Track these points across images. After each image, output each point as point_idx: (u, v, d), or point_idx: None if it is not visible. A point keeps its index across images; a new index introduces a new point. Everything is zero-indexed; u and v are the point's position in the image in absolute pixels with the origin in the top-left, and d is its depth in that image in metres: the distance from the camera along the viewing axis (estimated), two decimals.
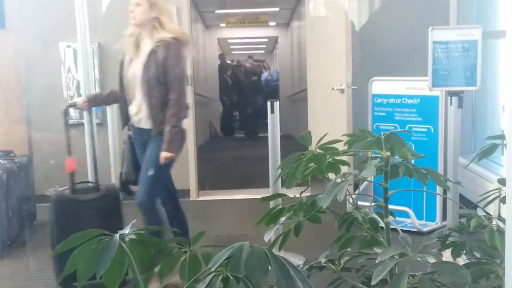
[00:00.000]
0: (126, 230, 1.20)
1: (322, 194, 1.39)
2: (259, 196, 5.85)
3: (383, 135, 1.41)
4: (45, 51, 6.25)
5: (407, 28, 6.17)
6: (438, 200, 5.02)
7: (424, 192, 4.85)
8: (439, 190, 4.79)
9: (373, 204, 1.51)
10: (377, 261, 1.19)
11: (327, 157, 1.50)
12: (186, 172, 6.42)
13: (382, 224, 1.52)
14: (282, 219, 1.49)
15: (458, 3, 5.94)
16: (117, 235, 1.15)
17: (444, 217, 4.85)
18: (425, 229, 4.90)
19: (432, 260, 1.16)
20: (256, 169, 8.13)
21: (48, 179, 6.12)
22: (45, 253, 4.80)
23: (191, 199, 6.44)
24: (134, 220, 1.31)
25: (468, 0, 5.91)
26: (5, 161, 5.16)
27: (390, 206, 1.58)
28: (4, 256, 4.70)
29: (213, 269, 1.14)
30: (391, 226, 1.54)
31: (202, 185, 6.65)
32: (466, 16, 5.87)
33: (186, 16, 6.27)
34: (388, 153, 1.36)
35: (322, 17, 6.63)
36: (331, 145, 1.61)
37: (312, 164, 1.49)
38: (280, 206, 1.62)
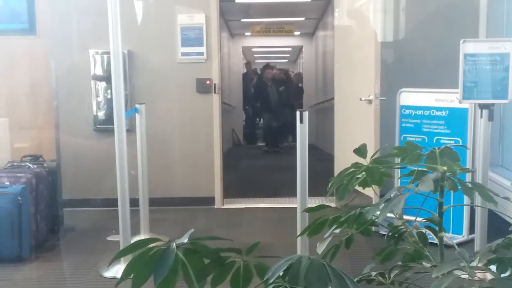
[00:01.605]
0: (184, 239, 1.22)
1: (371, 206, 1.39)
2: (284, 206, 5.89)
3: (438, 149, 1.41)
4: (75, 56, 6.33)
5: (436, 39, 6.16)
6: (465, 212, 4.99)
7: (451, 203, 4.82)
8: (466, 202, 4.78)
9: (422, 219, 1.51)
10: (433, 276, 1.19)
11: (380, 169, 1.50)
12: (211, 179, 6.45)
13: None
14: (337, 231, 1.49)
15: (488, 15, 5.91)
16: (174, 244, 1.16)
17: (471, 230, 4.81)
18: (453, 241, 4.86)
19: (489, 276, 1.16)
20: (280, 178, 8.15)
21: (76, 184, 6.20)
22: (73, 257, 4.85)
23: (216, 206, 6.46)
24: (192, 230, 1.31)
25: (498, 12, 5.88)
26: (35, 166, 5.22)
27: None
28: (32, 260, 4.74)
29: (271, 281, 1.14)
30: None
31: (227, 193, 6.66)
32: (496, 29, 5.85)
33: (215, 24, 6.31)
34: (445, 168, 1.36)
35: (350, 27, 6.63)
36: (383, 158, 1.61)
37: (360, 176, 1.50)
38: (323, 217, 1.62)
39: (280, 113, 12.30)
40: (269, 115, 12.50)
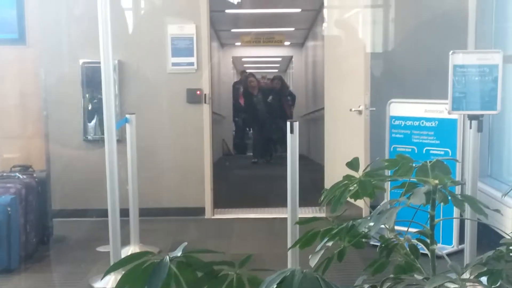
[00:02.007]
0: (178, 253, 1.22)
1: (363, 219, 1.40)
2: (274, 216, 5.89)
3: (429, 162, 1.42)
4: (65, 66, 6.32)
5: (425, 50, 6.19)
6: (455, 223, 5.01)
7: (441, 215, 4.84)
8: (455, 213, 4.80)
9: (413, 230, 1.52)
10: None
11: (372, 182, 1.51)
12: (201, 190, 6.44)
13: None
14: (329, 243, 1.49)
15: (476, 27, 5.96)
16: (167, 257, 1.17)
17: (461, 240, 4.83)
18: (442, 252, 4.87)
19: None
20: (270, 188, 8.14)
21: (66, 194, 6.17)
22: (62, 268, 4.82)
23: (206, 217, 6.45)
24: (185, 243, 1.31)
25: (486, 24, 5.92)
26: (24, 176, 5.20)
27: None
28: (21, 271, 4.72)
29: None
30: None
31: (217, 203, 6.65)
32: (485, 40, 5.89)
33: (205, 35, 6.32)
34: (437, 181, 1.37)
35: (339, 37, 6.67)
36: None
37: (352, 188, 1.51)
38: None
39: (268, 124, 11.90)
40: (257, 126, 12.27)
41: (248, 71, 14.88)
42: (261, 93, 12.11)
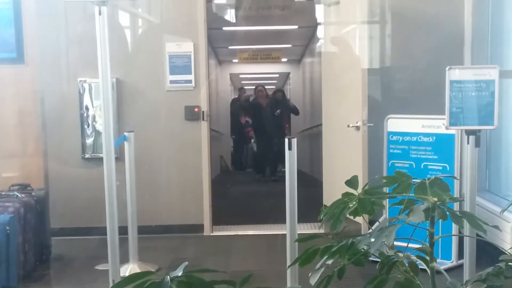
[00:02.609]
0: (179, 272, 1.22)
1: (362, 236, 1.41)
2: (273, 232, 5.88)
3: (428, 180, 1.43)
4: (63, 85, 6.34)
5: (421, 66, 6.23)
6: (454, 238, 5.01)
7: (440, 230, 4.84)
8: (454, 228, 4.80)
9: (413, 246, 1.52)
10: None
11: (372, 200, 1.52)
12: (200, 206, 6.44)
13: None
14: (329, 262, 1.49)
15: (472, 42, 5.99)
16: (168, 277, 1.17)
17: (460, 256, 4.83)
18: (441, 268, 4.87)
19: None
20: (268, 204, 8.13)
21: (64, 213, 6.17)
22: (61, 287, 4.81)
23: (205, 234, 6.44)
24: (186, 263, 1.32)
25: (482, 39, 5.96)
26: (23, 195, 5.20)
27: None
28: None
29: None
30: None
31: (216, 220, 6.64)
32: (481, 55, 5.92)
33: (203, 52, 6.35)
34: (435, 199, 1.38)
35: (336, 54, 6.70)
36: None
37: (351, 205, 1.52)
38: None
39: (275, 138, 11.23)
40: (264, 139, 11.69)
41: (246, 87, 14.88)
42: (269, 105, 11.54)
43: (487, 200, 5.54)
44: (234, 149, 14.29)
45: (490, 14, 5.92)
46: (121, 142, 5.25)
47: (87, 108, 6.29)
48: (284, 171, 4.17)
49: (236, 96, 14.92)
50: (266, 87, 12.41)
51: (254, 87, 12.32)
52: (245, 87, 14.96)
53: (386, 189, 1.79)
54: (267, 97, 11.80)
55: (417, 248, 1.53)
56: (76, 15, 6.24)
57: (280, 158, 10.91)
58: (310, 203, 6.33)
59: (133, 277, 1.20)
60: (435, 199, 1.40)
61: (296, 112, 12.36)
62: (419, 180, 1.55)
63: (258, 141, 12.27)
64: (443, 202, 1.42)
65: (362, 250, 1.44)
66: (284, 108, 11.78)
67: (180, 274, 1.24)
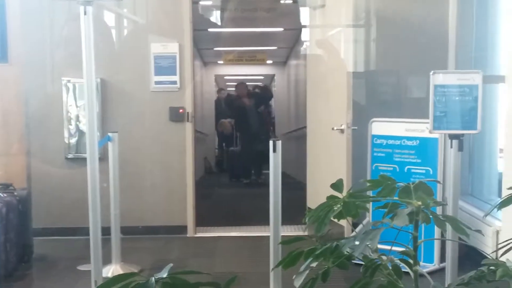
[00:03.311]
0: (164, 274, 1.22)
1: (347, 239, 1.41)
2: (257, 234, 5.88)
3: (412, 184, 1.44)
4: (47, 84, 6.31)
5: (406, 70, 6.27)
6: (437, 241, 5.04)
7: (423, 234, 4.86)
8: (437, 231, 4.83)
9: (397, 249, 1.53)
10: None
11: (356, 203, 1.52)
12: (184, 208, 6.43)
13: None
14: (314, 264, 1.50)
15: (456, 47, 6.03)
16: (153, 278, 1.17)
17: (442, 259, 4.86)
18: (423, 271, 4.90)
19: None
20: (252, 205, 8.14)
21: (47, 213, 6.13)
22: (43, 287, 4.78)
23: (188, 235, 6.43)
24: (171, 264, 1.32)
25: (467, 44, 6.00)
26: (5, 194, 5.17)
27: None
28: None
29: None
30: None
31: (199, 221, 6.63)
32: (465, 60, 5.96)
33: (188, 53, 6.34)
34: (419, 203, 1.38)
35: (321, 56, 6.72)
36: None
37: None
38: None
39: (259, 138, 10.80)
40: (247, 140, 11.27)
41: (228, 88, 14.90)
42: (252, 101, 11.04)
43: (470, 204, 5.57)
44: (219, 151, 14.27)
45: (474, 19, 5.96)
46: (105, 142, 5.23)
47: (71, 108, 6.27)
48: (268, 173, 4.17)
49: (216, 97, 14.92)
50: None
51: (235, 83, 12.12)
52: (227, 88, 15.02)
53: (369, 192, 1.80)
54: (249, 95, 11.22)
55: (400, 252, 1.54)
56: (61, 15, 6.22)
57: (264, 159, 10.56)
58: (294, 205, 6.35)
59: (117, 278, 1.20)
60: (419, 203, 1.41)
61: (269, 95, 12.23)
62: (403, 184, 1.56)
63: (241, 141, 11.87)
64: (426, 206, 1.43)
65: (346, 253, 1.44)
66: (265, 102, 11.66)
67: (165, 275, 1.24)
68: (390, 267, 1.56)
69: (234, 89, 12.12)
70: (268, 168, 4.20)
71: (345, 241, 1.44)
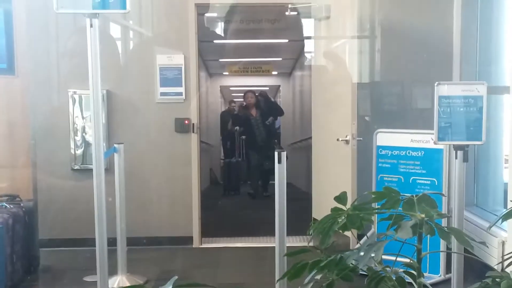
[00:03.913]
0: (168, 286, 1.23)
1: (351, 251, 1.42)
2: (262, 245, 5.88)
3: (416, 196, 1.45)
4: (54, 96, 6.34)
5: (411, 81, 6.29)
6: (442, 252, 5.03)
7: (428, 245, 4.86)
8: (442, 243, 4.83)
9: (401, 259, 1.53)
10: None
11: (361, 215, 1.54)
12: (189, 219, 6.44)
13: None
14: (318, 276, 1.51)
15: (461, 58, 6.04)
16: None
17: (448, 270, 4.85)
18: (428, 282, 4.90)
19: None
20: (258, 216, 8.14)
21: (53, 224, 6.15)
22: None
23: (193, 246, 6.44)
24: (176, 277, 1.33)
25: (471, 55, 6.01)
26: (11, 206, 5.19)
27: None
28: None
29: None
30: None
31: (205, 232, 6.64)
32: (469, 71, 5.97)
33: (194, 65, 6.37)
34: (423, 215, 1.39)
35: (326, 68, 6.73)
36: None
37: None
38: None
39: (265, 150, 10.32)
40: (253, 152, 10.83)
41: (235, 100, 14.84)
42: (259, 112, 10.56)
43: (475, 214, 5.57)
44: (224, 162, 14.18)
45: (478, 31, 5.98)
46: (111, 153, 5.26)
47: (77, 120, 6.29)
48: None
49: (225, 109, 14.89)
50: None
51: (234, 101, 11.80)
52: (235, 100, 14.95)
53: (375, 204, 1.81)
54: (257, 106, 10.64)
55: (404, 264, 1.55)
56: (67, 27, 6.25)
57: (271, 172, 9.36)
58: (300, 216, 6.35)
59: None
60: (423, 215, 1.42)
61: (279, 112, 11.45)
62: (407, 196, 1.57)
63: (247, 154, 11.39)
64: (430, 218, 1.44)
65: (351, 265, 1.45)
66: (268, 110, 10.87)
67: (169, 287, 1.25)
68: (394, 279, 1.57)
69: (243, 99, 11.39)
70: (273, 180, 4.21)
71: (349, 253, 1.45)
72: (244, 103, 10.94)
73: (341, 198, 1.63)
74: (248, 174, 11.34)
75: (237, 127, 11.35)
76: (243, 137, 11.53)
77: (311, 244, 1.88)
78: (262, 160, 10.37)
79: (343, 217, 1.56)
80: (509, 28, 5.54)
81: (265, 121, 10.57)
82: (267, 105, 11.00)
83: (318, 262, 1.51)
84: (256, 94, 10.94)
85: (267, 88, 15.67)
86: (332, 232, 1.53)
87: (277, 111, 11.40)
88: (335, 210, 1.60)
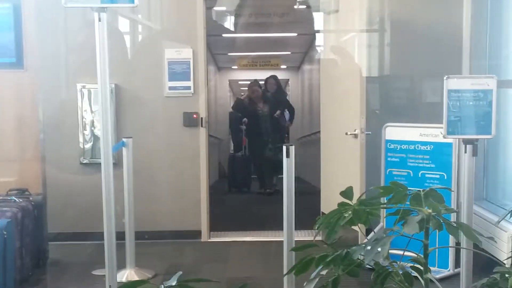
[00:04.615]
0: (173, 282, 1.23)
1: (357, 246, 1.42)
2: (270, 239, 5.88)
3: (423, 191, 1.44)
4: (62, 90, 6.35)
5: (420, 74, 6.26)
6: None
7: (437, 239, 4.84)
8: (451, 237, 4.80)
9: (409, 253, 1.53)
10: None
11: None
12: (198, 213, 6.44)
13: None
14: (324, 272, 1.50)
15: (471, 52, 6.01)
16: (162, 286, 1.18)
17: (457, 264, 4.83)
18: (437, 276, 4.89)
19: None
20: (266, 210, 8.14)
21: (62, 218, 6.16)
22: None
23: (202, 240, 6.44)
24: (180, 272, 1.32)
25: (481, 49, 5.98)
26: (20, 200, 5.21)
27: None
28: None
29: None
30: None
31: (213, 226, 6.64)
32: (479, 65, 5.94)
33: (202, 59, 6.36)
34: (430, 210, 1.38)
35: (335, 61, 6.71)
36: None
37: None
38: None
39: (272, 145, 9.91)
40: (260, 147, 10.11)
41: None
42: (267, 105, 10.02)
43: (484, 209, 5.55)
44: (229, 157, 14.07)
45: (488, 24, 5.94)
46: (120, 148, 5.26)
47: (86, 114, 6.30)
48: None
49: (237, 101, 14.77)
50: None
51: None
52: (243, 94, 14.87)
53: (384, 199, 1.79)
54: (262, 97, 10.10)
55: (411, 259, 1.54)
56: (75, 21, 6.25)
57: (277, 168, 9.12)
58: (308, 210, 6.34)
59: (126, 286, 1.21)
60: (430, 211, 1.40)
61: (290, 113, 10.82)
62: (415, 191, 1.56)
63: (253, 150, 10.57)
64: (438, 213, 1.43)
65: (357, 260, 1.44)
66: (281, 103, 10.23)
67: (174, 283, 1.25)
68: (402, 274, 1.56)
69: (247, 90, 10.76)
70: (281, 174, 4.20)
71: (355, 248, 1.44)
72: (247, 96, 10.48)
73: (347, 193, 1.62)
74: (254, 170, 10.79)
75: (245, 120, 10.69)
76: (247, 130, 10.89)
77: (318, 238, 1.88)
78: (269, 155, 9.96)
79: (349, 212, 1.55)
80: None
81: (273, 114, 9.96)
82: (277, 93, 10.33)
83: (324, 257, 1.50)
84: (267, 79, 10.43)
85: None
86: (338, 227, 1.53)
87: (287, 105, 10.75)
88: (341, 205, 1.59)
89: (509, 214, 1.80)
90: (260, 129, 10.03)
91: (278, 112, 10.08)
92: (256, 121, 10.09)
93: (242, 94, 14.67)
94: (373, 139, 5.61)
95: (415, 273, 1.59)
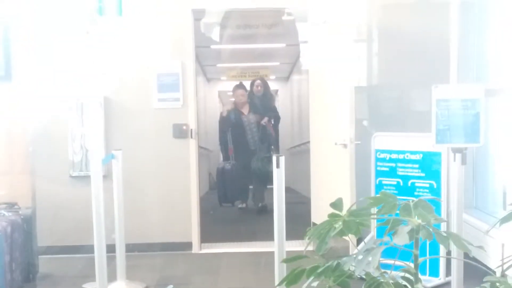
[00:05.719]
0: None
1: (348, 257, 1.42)
2: (261, 250, 5.87)
3: (412, 201, 1.45)
4: (51, 103, 6.32)
5: (408, 84, 6.28)
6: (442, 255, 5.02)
7: (427, 248, 4.87)
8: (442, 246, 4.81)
9: (400, 263, 1.53)
10: None
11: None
12: (188, 224, 6.43)
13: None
14: (315, 284, 1.51)
15: (458, 61, 6.04)
16: None
17: (448, 273, 4.84)
18: (428, 285, 4.90)
19: None
20: (257, 221, 8.13)
21: (52, 231, 6.13)
22: None
23: (193, 251, 6.43)
24: (171, 285, 1.32)
25: (468, 58, 6.01)
26: (10, 213, 5.18)
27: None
28: None
29: None
30: None
31: (204, 238, 6.63)
32: (467, 73, 5.97)
33: (191, 70, 6.37)
34: (419, 221, 1.39)
35: (323, 72, 6.73)
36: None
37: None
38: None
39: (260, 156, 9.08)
40: (245, 158, 9.26)
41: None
42: (252, 111, 9.26)
43: (474, 217, 5.56)
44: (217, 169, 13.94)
45: (475, 32, 5.98)
46: (109, 160, 5.25)
47: (75, 126, 6.28)
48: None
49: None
50: None
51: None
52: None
53: (374, 209, 1.80)
54: (248, 102, 9.37)
55: (402, 269, 1.54)
56: (65, 34, 6.24)
57: (266, 180, 8.78)
58: (299, 220, 6.34)
59: None
60: (419, 221, 1.41)
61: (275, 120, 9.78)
62: (404, 202, 1.57)
63: (238, 161, 9.53)
64: (427, 223, 1.44)
65: (348, 271, 1.45)
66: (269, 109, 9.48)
67: None
68: (392, 284, 1.56)
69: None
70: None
71: (346, 259, 1.44)
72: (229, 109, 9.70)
73: (336, 204, 1.63)
74: (242, 183, 9.67)
75: (229, 129, 9.53)
76: (233, 140, 9.68)
77: (309, 248, 1.88)
78: (255, 166, 9.09)
79: (339, 223, 1.56)
80: (506, 30, 5.53)
81: (259, 121, 9.16)
82: (265, 96, 9.61)
83: (315, 268, 1.51)
84: (253, 81, 9.79)
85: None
86: (329, 239, 1.53)
87: (274, 112, 9.86)
88: (331, 216, 1.59)
89: (499, 223, 1.81)
90: (245, 138, 9.22)
91: (265, 119, 9.21)
92: (242, 129, 9.23)
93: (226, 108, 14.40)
94: (363, 148, 5.63)
95: (406, 283, 1.60)
